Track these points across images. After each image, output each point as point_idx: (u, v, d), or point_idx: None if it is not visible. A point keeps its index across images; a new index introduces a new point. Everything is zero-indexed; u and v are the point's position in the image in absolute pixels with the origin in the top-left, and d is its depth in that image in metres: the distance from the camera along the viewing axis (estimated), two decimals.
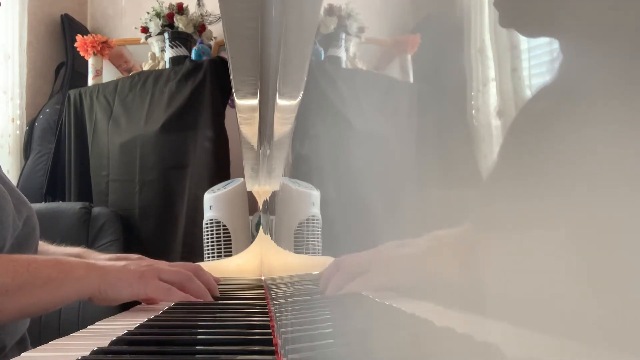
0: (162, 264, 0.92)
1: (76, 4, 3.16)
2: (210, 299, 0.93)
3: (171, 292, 0.85)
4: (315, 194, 0.53)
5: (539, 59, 0.13)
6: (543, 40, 0.13)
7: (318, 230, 0.53)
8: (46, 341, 0.60)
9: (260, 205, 1.83)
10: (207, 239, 1.98)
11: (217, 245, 1.95)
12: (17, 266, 0.76)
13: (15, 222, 0.92)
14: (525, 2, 0.14)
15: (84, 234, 2.11)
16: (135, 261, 0.90)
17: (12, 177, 2.66)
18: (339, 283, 0.36)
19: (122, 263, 0.87)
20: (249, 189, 1.92)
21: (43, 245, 1.10)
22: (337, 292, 0.37)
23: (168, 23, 2.55)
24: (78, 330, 0.68)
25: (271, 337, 0.60)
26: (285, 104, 0.65)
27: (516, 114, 0.14)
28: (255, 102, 0.86)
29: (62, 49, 2.99)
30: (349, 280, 0.33)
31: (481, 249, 0.16)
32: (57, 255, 1.08)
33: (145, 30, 2.58)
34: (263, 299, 0.99)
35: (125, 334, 0.62)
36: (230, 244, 1.95)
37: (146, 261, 0.93)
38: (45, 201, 2.49)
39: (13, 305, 0.75)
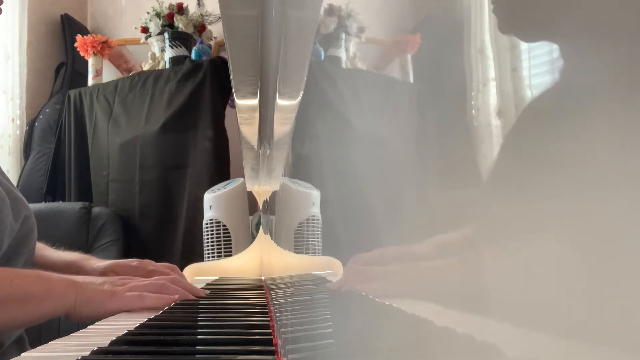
0: (137, 280, 0.94)
1: (76, 4, 3.16)
2: (190, 296, 0.96)
3: (142, 297, 0.88)
4: (315, 194, 0.53)
5: (539, 59, 0.13)
6: (543, 43, 0.13)
7: (318, 230, 0.53)
8: (46, 341, 0.60)
9: (260, 205, 1.83)
10: (207, 239, 1.98)
11: (217, 245, 1.95)
12: (0, 280, 0.76)
13: (12, 223, 0.92)
14: (524, 8, 0.14)
15: (84, 234, 2.11)
16: (112, 279, 0.91)
17: (12, 177, 2.66)
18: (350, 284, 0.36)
19: (100, 280, 0.89)
20: (249, 189, 1.92)
21: (42, 249, 1.10)
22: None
23: (168, 23, 2.55)
24: (78, 330, 0.68)
25: (271, 337, 0.60)
26: (285, 104, 0.65)
27: (516, 114, 0.14)
28: (255, 102, 0.86)
29: (62, 49, 2.99)
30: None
31: (481, 249, 0.16)
32: (54, 259, 1.08)
33: (145, 30, 2.58)
34: (263, 299, 0.99)
35: (125, 334, 0.62)
36: (230, 244, 1.95)
37: (124, 279, 0.93)
38: (45, 201, 2.49)
39: None
